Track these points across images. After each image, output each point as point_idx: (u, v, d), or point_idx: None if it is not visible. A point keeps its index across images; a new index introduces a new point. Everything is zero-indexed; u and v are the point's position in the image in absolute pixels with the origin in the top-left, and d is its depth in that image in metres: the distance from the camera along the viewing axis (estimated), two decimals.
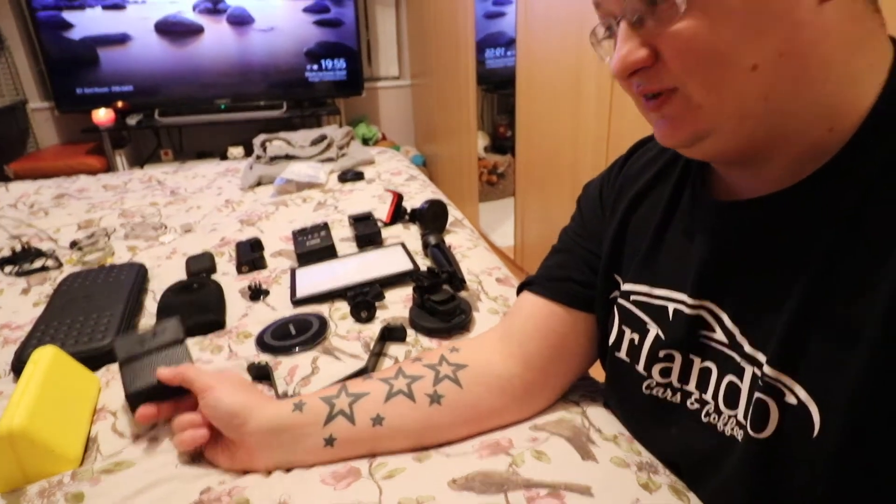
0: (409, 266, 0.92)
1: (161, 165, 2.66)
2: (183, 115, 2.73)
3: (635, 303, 0.51)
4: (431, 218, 1.07)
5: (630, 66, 0.38)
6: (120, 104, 2.66)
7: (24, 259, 1.06)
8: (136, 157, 2.87)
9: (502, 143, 3.14)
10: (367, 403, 0.53)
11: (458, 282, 0.86)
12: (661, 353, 0.47)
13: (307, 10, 2.78)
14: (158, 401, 0.59)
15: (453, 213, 1.17)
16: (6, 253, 1.09)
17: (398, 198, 1.14)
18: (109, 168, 2.64)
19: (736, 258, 0.42)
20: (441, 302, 0.78)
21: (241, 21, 2.73)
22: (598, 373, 0.66)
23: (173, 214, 1.31)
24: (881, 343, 0.33)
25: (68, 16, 2.53)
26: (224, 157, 2.76)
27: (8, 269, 1.04)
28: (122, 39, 2.63)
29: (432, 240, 0.98)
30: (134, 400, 0.60)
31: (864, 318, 0.34)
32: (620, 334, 0.52)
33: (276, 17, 2.77)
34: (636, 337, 0.50)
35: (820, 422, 0.35)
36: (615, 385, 0.55)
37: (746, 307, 0.42)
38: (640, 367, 0.49)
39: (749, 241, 0.42)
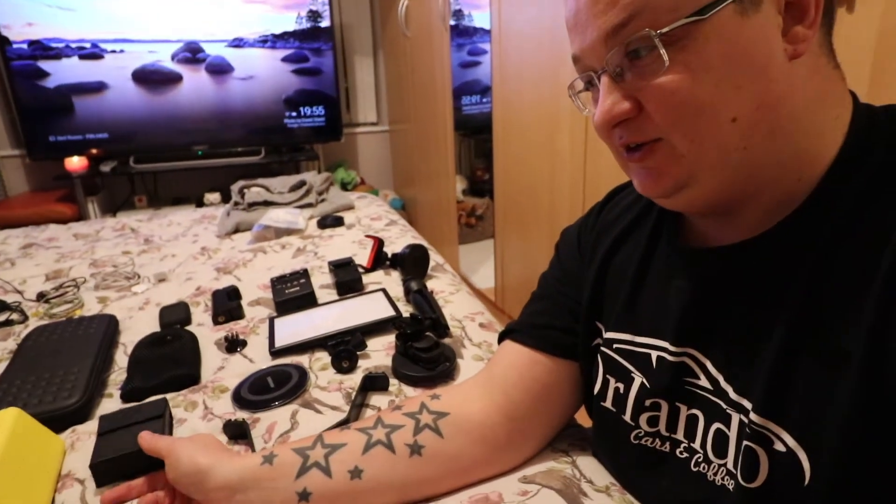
0: (391, 312, 0.90)
1: (135, 212, 2.62)
2: (159, 162, 2.72)
3: (618, 351, 0.50)
4: (413, 263, 1.06)
5: (615, 118, 0.39)
6: (94, 151, 2.63)
7: None
8: (109, 204, 2.82)
9: (480, 185, 3.19)
10: (344, 455, 0.50)
11: (441, 328, 0.84)
12: (648, 402, 0.47)
13: (286, 59, 2.84)
14: (125, 472, 0.58)
15: (434, 257, 1.17)
16: None
17: (379, 243, 1.13)
18: (81, 216, 2.59)
19: (714, 304, 0.43)
20: (424, 349, 0.77)
21: (219, 70, 2.77)
22: (584, 419, 0.65)
23: (147, 263, 1.28)
24: (865, 379, 0.33)
25: (44, 65, 2.53)
26: (200, 203, 2.74)
27: None
28: (98, 87, 2.63)
29: (414, 285, 0.97)
30: (97, 469, 0.59)
31: (846, 354, 0.34)
32: (605, 383, 0.52)
33: (255, 67, 2.81)
34: (621, 386, 0.50)
35: (810, 469, 0.35)
36: (603, 434, 0.54)
37: (728, 353, 0.42)
38: (627, 417, 0.49)
39: (725, 287, 0.42)
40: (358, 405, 0.71)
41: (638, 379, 0.48)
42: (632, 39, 0.36)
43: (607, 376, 0.51)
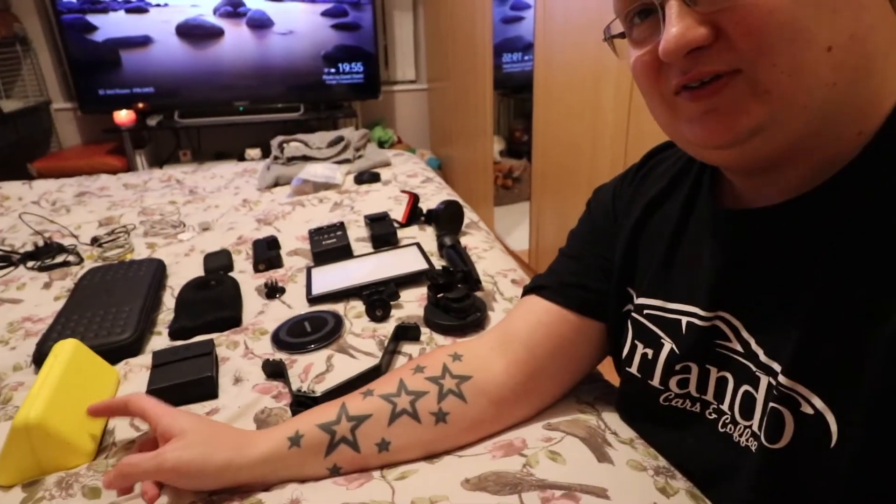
0: (424, 266, 0.91)
1: (180, 166, 2.70)
2: (202, 117, 2.77)
3: (648, 317, 0.50)
4: (447, 219, 1.07)
5: (688, 45, 0.33)
6: (141, 105, 2.70)
7: (46, 254, 1.08)
8: (155, 158, 2.91)
9: (518, 147, 3.14)
10: (370, 428, 0.50)
11: (473, 281, 0.85)
12: (678, 366, 0.46)
13: (325, 13, 2.81)
14: (176, 400, 0.61)
15: (469, 215, 1.17)
16: (29, 248, 1.11)
17: (414, 199, 1.14)
18: (130, 168, 2.69)
19: (749, 268, 0.42)
20: (456, 300, 0.78)
21: (260, 24, 2.77)
22: (612, 375, 0.65)
23: (192, 213, 1.32)
24: None
25: (92, 18, 2.58)
26: (242, 158, 2.79)
27: (30, 263, 1.06)
28: (143, 42, 2.68)
29: (448, 241, 0.97)
30: (152, 395, 0.63)
31: (883, 318, 0.33)
32: (633, 349, 0.51)
33: (294, 21, 2.80)
34: (650, 352, 0.49)
35: (837, 432, 0.35)
36: (628, 397, 0.54)
37: (760, 316, 0.41)
38: (656, 382, 0.48)
39: (762, 250, 0.41)
40: (390, 352, 0.73)
41: (667, 345, 0.47)
42: None
43: (635, 342, 0.51)
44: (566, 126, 1.86)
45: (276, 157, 1.61)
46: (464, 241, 1.05)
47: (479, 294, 0.85)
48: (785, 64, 0.32)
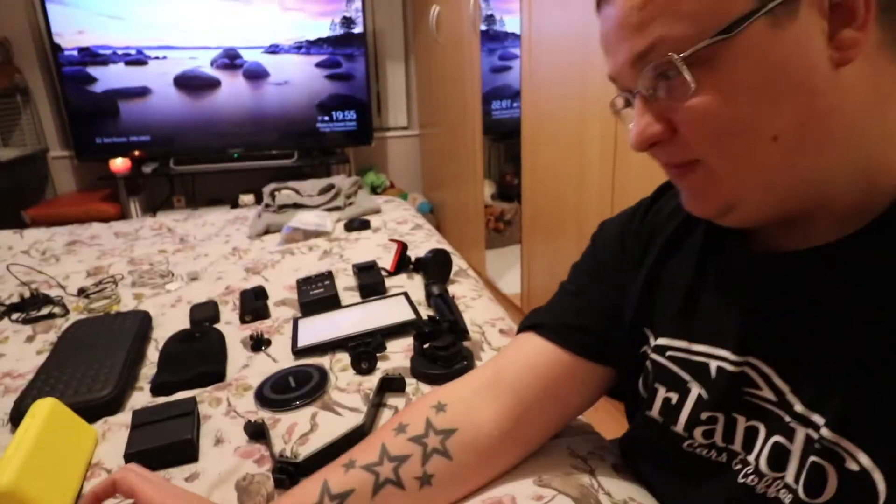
0: (411, 315, 0.91)
1: (174, 212, 2.71)
2: (197, 164, 2.81)
3: (671, 359, 0.48)
4: (435, 267, 1.07)
5: (647, 141, 0.38)
6: (137, 153, 2.74)
7: (31, 306, 1.07)
8: (149, 204, 2.93)
9: (509, 190, 3.18)
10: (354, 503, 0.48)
11: (460, 331, 0.85)
12: (704, 416, 0.44)
13: (320, 65, 2.90)
14: (155, 464, 0.61)
15: (458, 262, 1.17)
16: (15, 299, 1.10)
17: (402, 247, 1.15)
18: (123, 214, 2.70)
19: (782, 312, 0.41)
20: (442, 348, 0.77)
21: (256, 75, 2.85)
22: (603, 426, 0.64)
23: (181, 262, 1.32)
24: None
25: (93, 70, 2.65)
26: (235, 204, 2.82)
27: (15, 316, 1.05)
28: (142, 92, 2.74)
29: (435, 290, 0.98)
30: (130, 460, 0.63)
31: None
32: (653, 392, 0.49)
33: (289, 72, 2.88)
34: (674, 396, 0.47)
35: (885, 492, 0.33)
36: (640, 441, 0.52)
37: (796, 364, 0.39)
38: (679, 428, 0.46)
39: (796, 294, 0.40)
40: (375, 405, 0.72)
41: (695, 390, 0.45)
42: (658, 63, 0.35)
43: (656, 385, 0.49)
44: (554, 171, 1.89)
45: (267, 205, 1.63)
46: (452, 289, 1.06)
47: (466, 344, 0.84)
48: (731, 156, 0.36)
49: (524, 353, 0.55)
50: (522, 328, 0.58)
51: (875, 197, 0.36)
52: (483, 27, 2.42)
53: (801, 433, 0.38)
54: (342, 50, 2.90)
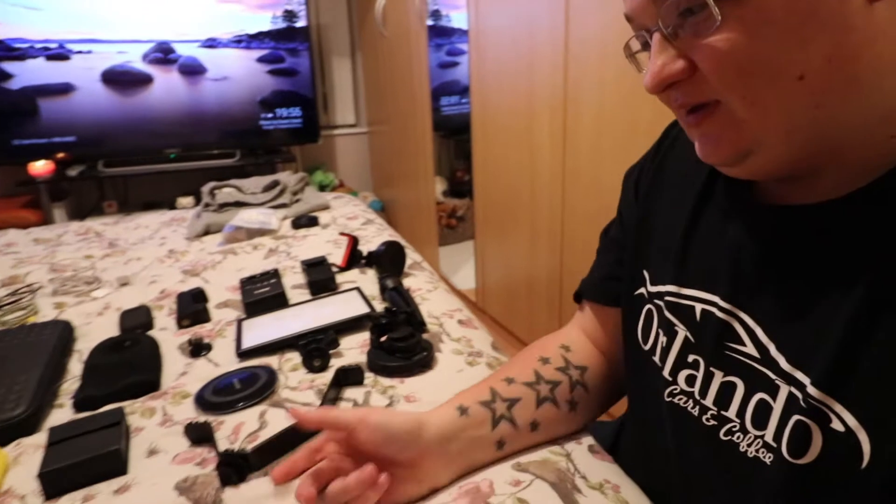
0: (365, 310, 0.86)
1: (104, 218, 2.53)
2: (129, 166, 2.64)
3: (667, 304, 0.49)
4: (389, 261, 1.03)
5: (664, 80, 0.36)
6: (61, 155, 2.54)
7: None
8: (76, 210, 2.73)
9: (460, 187, 3.16)
10: (522, 409, 0.54)
11: (417, 323, 0.81)
12: (690, 358, 0.45)
13: (261, 59, 2.78)
14: (77, 482, 0.55)
15: (412, 255, 1.13)
16: None
17: (353, 241, 1.09)
18: (46, 222, 2.50)
19: (776, 267, 0.40)
20: (400, 339, 0.73)
21: (192, 71, 2.70)
22: None
23: (110, 267, 1.21)
24: None
25: (7, 66, 2.44)
26: (173, 207, 2.66)
27: None
28: (65, 89, 2.54)
29: (390, 283, 0.93)
30: (46, 479, 0.55)
31: None
32: (657, 337, 0.50)
33: (229, 67, 2.75)
34: (665, 340, 0.48)
35: (870, 452, 0.33)
36: (642, 388, 0.53)
37: (785, 321, 0.39)
38: (666, 372, 0.47)
39: (795, 249, 0.39)
40: (331, 399, 0.67)
41: (682, 332, 0.46)
42: None
43: (658, 329, 0.50)
44: (505, 166, 1.88)
45: (207, 205, 1.53)
46: (407, 282, 1.01)
47: (424, 336, 0.80)
48: (754, 96, 0.34)
49: (591, 317, 0.62)
50: (576, 298, 0.65)
51: (889, 150, 0.34)
52: (430, 22, 2.39)
53: (784, 391, 0.38)
54: (285, 44, 2.79)
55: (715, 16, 0.32)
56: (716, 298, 0.43)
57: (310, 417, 0.49)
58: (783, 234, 0.40)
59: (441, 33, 2.95)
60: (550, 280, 1.69)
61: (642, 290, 0.52)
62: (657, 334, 0.49)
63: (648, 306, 0.51)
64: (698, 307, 0.45)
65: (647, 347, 0.51)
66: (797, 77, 0.32)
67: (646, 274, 0.52)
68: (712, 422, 0.42)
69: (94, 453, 0.57)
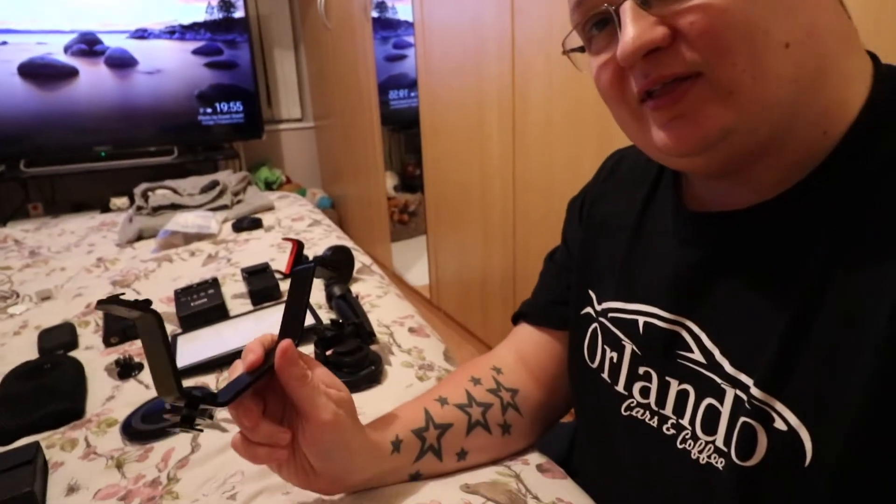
0: (310, 321, 0.82)
1: (28, 221, 2.35)
2: (55, 165, 2.45)
3: (612, 320, 0.48)
4: (336, 267, 0.99)
5: (644, 47, 0.33)
6: None
7: None
8: None
9: (412, 181, 3.13)
10: (451, 437, 0.52)
11: (365, 335, 0.78)
12: (641, 370, 0.45)
13: (197, 52, 2.64)
14: None
15: (360, 258, 1.10)
16: None
17: (298, 246, 1.05)
18: None
19: (715, 273, 0.40)
20: (347, 353, 0.70)
21: (121, 63, 2.53)
22: None
23: (29, 280, 1.12)
24: (886, 357, 0.30)
25: None
26: (106, 208, 2.50)
27: None
28: None
29: (337, 290, 0.89)
30: None
31: (865, 330, 0.31)
32: (604, 353, 0.49)
33: (162, 59, 2.60)
34: (615, 355, 0.48)
35: (812, 450, 0.33)
36: (595, 408, 0.51)
37: (727, 325, 0.39)
38: (620, 387, 0.47)
39: (730, 254, 0.39)
40: None
41: (628, 346, 0.46)
42: None
43: (605, 346, 0.49)
44: (455, 160, 1.86)
45: (139, 208, 1.44)
46: (356, 287, 0.98)
47: (373, 347, 0.77)
48: (745, 63, 0.32)
49: (529, 339, 0.60)
50: (514, 319, 0.63)
51: (823, 142, 0.35)
52: (375, 14, 2.33)
53: (730, 394, 0.37)
54: (222, 36, 2.66)
55: None
56: (656, 310, 0.43)
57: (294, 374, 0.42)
58: (720, 241, 0.40)
59: (387, 25, 2.89)
60: (504, 276, 1.69)
61: (588, 309, 0.52)
62: (604, 351, 0.49)
63: (594, 325, 0.51)
64: (641, 320, 0.45)
65: (594, 366, 0.50)
66: (784, 44, 0.32)
67: (591, 293, 0.52)
68: (671, 430, 0.42)
69: (5, 496, 0.52)
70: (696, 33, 0.32)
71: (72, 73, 2.46)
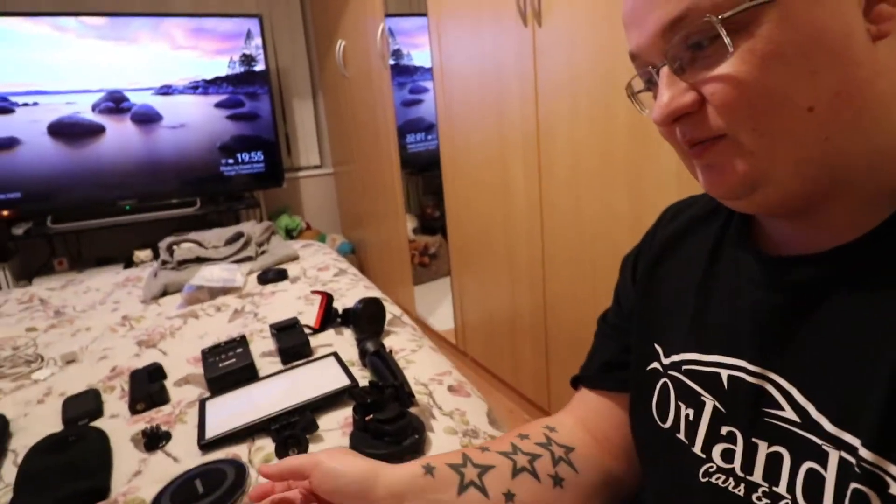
0: (345, 381, 0.78)
1: (54, 277, 2.37)
2: (80, 220, 2.49)
3: (687, 373, 0.45)
4: (367, 320, 0.95)
5: (674, 113, 0.36)
6: (5, 213, 2.38)
7: None
8: (24, 270, 2.55)
9: (431, 223, 3.11)
10: (495, 477, 0.48)
11: (405, 397, 0.73)
12: (723, 431, 0.41)
13: (220, 105, 2.70)
14: None
15: (391, 309, 1.06)
16: None
17: (327, 299, 1.01)
18: None
19: (801, 321, 0.37)
20: (388, 420, 0.65)
21: (147, 119, 2.60)
22: None
23: (55, 341, 1.09)
24: None
25: None
26: (130, 262, 2.52)
27: None
28: (9, 144, 2.40)
29: (370, 346, 0.85)
30: None
31: None
32: (678, 411, 0.45)
33: (186, 114, 2.66)
34: (691, 412, 0.44)
35: None
36: (667, 474, 0.47)
37: (820, 378, 0.36)
38: (698, 449, 0.42)
39: (815, 300, 0.36)
40: None
41: (709, 402, 0.42)
42: (692, 30, 0.34)
43: (679, 403, 0.45)
44: (477, 200, 1.84)
45: (164, 262, 1.42)
46: (388, 341, 0.93)
47: (413, 410, 0.72)
48: (764, 128, 0.33)
49: (589, 404, 0.56)
50: (573, 384, 0.60)
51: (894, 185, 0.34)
52: (391, 61, 2.37)
53: (834, 457, 0.34)
54: (244, 88, 2.73)
55: (727, 46, 0.32)
56: (742, 363, 0.40)
57: (271, 471, 0.47)
58: (804, 286, 0.37)
59: (403, 72, 2.94)
60: (534, 316, 1.63)
61: (655, 364, 0.48)
62: (678, 408, 0.45)
63: (664, 380, 0.47)
64: (724, 373, 0.41)
65: (667, 426, 0.46)
66: (807, 108, 0.32)
67: (658, 347, 0.49)
68: (765, 500, 0.37)
69: None
70: (718, 103, 0.34)
71: (99, 130, 2.53)
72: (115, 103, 2.55)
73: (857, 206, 0.35)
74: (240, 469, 0.64)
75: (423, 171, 3.15)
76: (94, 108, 2.51)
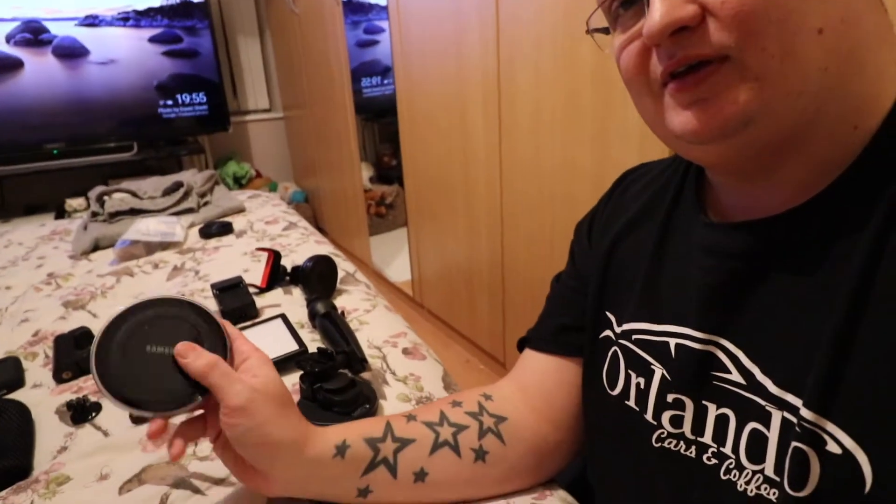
0: (293, 346, 0.74)
1: None
2: (2, 165, 2.27)
3: (637, 342, 0.45)
4: (318, 279, 0.90)
5: (675, 22, 0.32)
6: None
7: None
8: None
9: (388, 172, 3.02)
10: (412, 453, 0.48)
11: (357, 362, 0.69)
12: (671, 398, 0.42)
13: (154, 39, 2.47)
14: None
15: (344, 265, 1.01)
16: None
17: (274, 256, 0.95)
18: None
19: (748, 286, 0.37)
20: (338, 390, 0.62)
21: (71, 53, 2.35)
22: None
23: None
24: None
25: None
26: (61, 210, 2.34)
27: None
28: None
29: (321, 308, 0.80)
30: None
31: None
32: (627, 379, 0.46)
33: (115, 49, 2.42)
34: (642, 381, 0.44)
35: (872, 474, 0.30)
36: (620, 440, 0.47)
37: (766, 342, 0.36)
38: (649, 416, 0.43)
39: (763, 265, 0.37)
40: None
41: (658, 371, 0.43)
42: None
43: (629, 371, 0.46)
44: (436, 150, 1.78)
45: (94, 214, 1.31)
46: (340, 301, 0.89)
47: (365, 375, 0.69)
48: (775, 48, 0.31)
49: (534, 367, 0.55)
50: (519, 345, 0.58)
51: (853, 139, 0.34)
52: None
53: (777, 417, 0.35)
54: (181, 22, 2.50)
55: None
56: (688, 330, 0.41)
57: (199, 366, 0.43)
58: (751, 251, 0.37)
59: (357, 9, 2.75)
60: (492, 269, 1.62)
61: (608, 332, 0.49)
62: (627, 376, 0.46)
63: (614, 348, 0.47)
64: (672, 342, 0.42)
65: (615, 392, 0.47)
66: (817, 30, 0.31)
67: (610, 315, 0.49)
68: (713, 460, 0.39)
69: None
70: (728, 14, 0.31)
71: (16, 64, 2.28)
72: (34, 34, 2.29)
73: (809, 165, 0.35)
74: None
75: (380, 118, 3.02)
76: (8, 39, 2.25)
